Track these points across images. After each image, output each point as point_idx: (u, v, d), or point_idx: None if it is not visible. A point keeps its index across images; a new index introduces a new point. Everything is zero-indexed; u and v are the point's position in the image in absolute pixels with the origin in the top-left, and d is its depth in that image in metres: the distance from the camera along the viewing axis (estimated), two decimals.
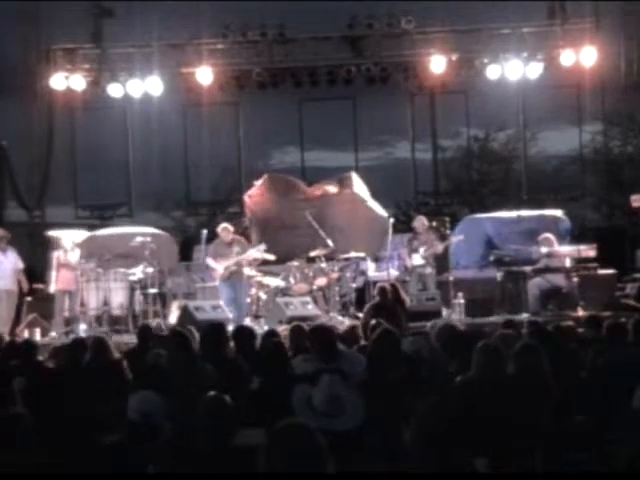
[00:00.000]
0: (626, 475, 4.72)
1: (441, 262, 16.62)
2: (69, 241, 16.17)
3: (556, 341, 8.37)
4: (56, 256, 16.04)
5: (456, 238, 16.77)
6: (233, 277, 15.63)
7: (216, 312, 14.35)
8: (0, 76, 20.04)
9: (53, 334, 15.42)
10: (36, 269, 17.75)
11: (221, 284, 15.69)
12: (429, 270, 16.12)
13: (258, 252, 15.88)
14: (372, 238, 17.85)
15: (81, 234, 18.01)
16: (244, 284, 15.80)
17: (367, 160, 23.68)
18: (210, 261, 15.76)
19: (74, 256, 16.03)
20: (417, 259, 16.10)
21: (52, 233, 17.68)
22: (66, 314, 16.00)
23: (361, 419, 5.31)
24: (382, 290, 13.61)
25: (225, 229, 15.94)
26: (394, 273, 16.57)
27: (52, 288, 16.04)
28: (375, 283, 15.18)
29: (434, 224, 17.23)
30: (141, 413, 5.56)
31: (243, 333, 9.12)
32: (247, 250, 15.81)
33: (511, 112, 22.48)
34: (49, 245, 17.15)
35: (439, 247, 16.19)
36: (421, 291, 15.92)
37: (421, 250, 16.09)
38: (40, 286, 16.89)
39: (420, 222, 16.49)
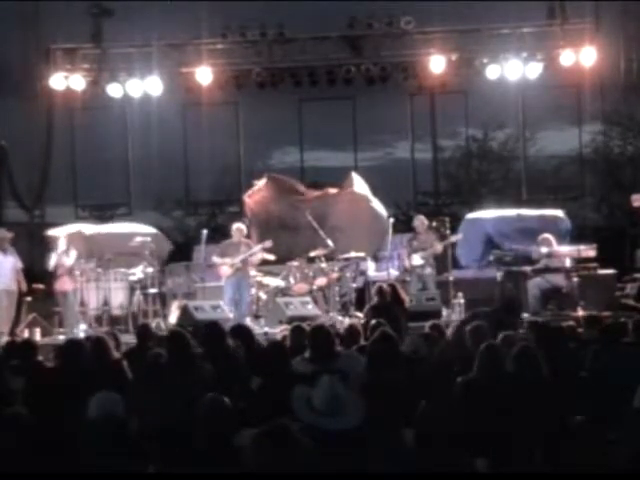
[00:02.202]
0: (626, 475, 4.72)
1: (441, 262, 16.61)
2: (64, 242, 16.15)
3: (556, 341, 8.37)
4: (52, 258, 16.01)
5: (455, 237, 16.74)
6: (238, 274, 15.63)
7: (216, 312, 14.35)
8: (0, 76, 20.03)
9: (61, 337, 15.35)
10: (36, 269, 17.75)
11: (226, 282, 15.70)
12: (429, 270, 16.11)
13: (264, 248, 15.88)
14: (372, 238, 17.85)
15: (80, 227, 18.03)
16: (248, 284, 15.81)
17: (367, 160, 23.66)
18: (216, 259, 15.78)
19: (70, 258, 15.99)
20: (417, 259, 16.09)
21: (51, 232, 17.67)
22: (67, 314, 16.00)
23: (361, 419, 5.31)
24: (380, 291, 13.60)
25: (239, 229, 16.01)
26: (394, 273, 16.58)
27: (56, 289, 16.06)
28: (375, 283, 15.18)
29: (434, 224, 17.22)
30: (102, 414, 5.55)
31: (240, 332, 9.13)
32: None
33: (511, 112, 22.47)
34: (48, 245, 17.12)
35: (438, 247, 16.16)
36: (421, 291, 15.92)
37: (421, 252, 16.08)
38: (40, 286, 16.88)
39: (420, 222, 16.47)
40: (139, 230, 18.17)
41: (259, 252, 15.86)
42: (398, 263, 16.98)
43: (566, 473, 4.86)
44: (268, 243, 15.94)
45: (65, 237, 16.46)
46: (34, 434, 5.10)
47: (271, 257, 16.19)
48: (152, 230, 18.72)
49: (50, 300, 16.34)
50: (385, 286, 13.77)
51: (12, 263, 15.72)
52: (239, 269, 15.64)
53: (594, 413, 6.45)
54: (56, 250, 16.00)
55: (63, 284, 15.86)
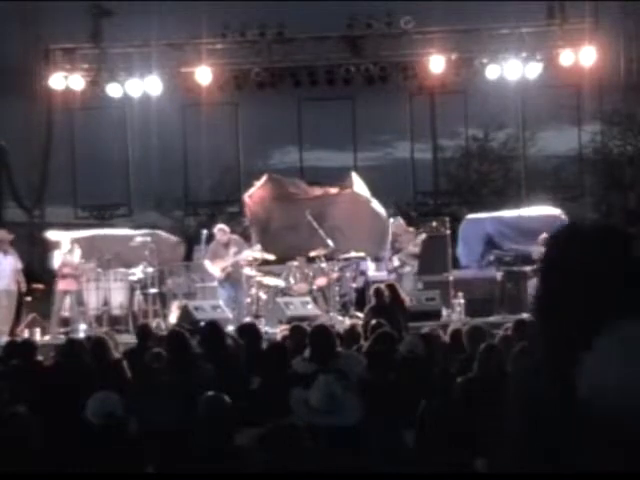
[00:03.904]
0: (626, 475, 4.70)
1: (441, 262, 16.64)
2: (67, 242, 16.15)
3: None
4: (57, 256, 16.00)
5: (420, 238, 16.64)
6: (231, 278, 15.67)
7: (216, 312, 14.35)
8: (0, 76, 20.02)
9: (47, 337, 15.35)
10: (36, 269, 17.74)
11: (220, 285, 15.73)
12: (407, 269, 16.22)
13: (254, 253, 15.93)
14: (372, 238, 17.85)
15: (79, 233, 18.01)
16: (243, 284, 15.83)
17: (366, 160, 23.67)
18: (207, 264, 15.79)
19: (75, 257, 16.00)
20: (395, 260, 16.29)
21: (50, 234, 17.67)
22: (67, 314, 15.98)
23: (357, 418, 5.32)
24: (377, 291, 13.62)
25: (221, 230, 15.99)
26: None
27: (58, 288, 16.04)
28: (375, 283, 15.19)
29: (434, 224, 17.23)
30: (101, 414, 5.55)
31: (248, 331, 9.12)
32: (244, 250, 15.85)
33: (510, 112, 22.48)
34: (48, 245, 17.11)
35: (410, 247, 16.27)
36: (420, 291, 16.00)
37: (399, 253, 16.29)
38: (39, 286, 16.88)
39: (397, 224, 16.72)
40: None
41: (248, 255, 15.89)
42: None
43: (566, 473, 4.86)
44: (257, 247, 16.01)
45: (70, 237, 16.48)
46: (34, 434, 5.10)
47: (271, 257, 16.19)
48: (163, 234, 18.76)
49: (50, 300, 16.32)
50: (382, 287, 13.79)
51: (12, 264, 15.70)
52: (230, 272, 15.65)
53: None
54: (60, 249, 16.01)
55: (68, 284, 15.86)
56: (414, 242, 16.43)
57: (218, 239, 15.87)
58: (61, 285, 15.91)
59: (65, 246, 16.03)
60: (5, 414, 5.20)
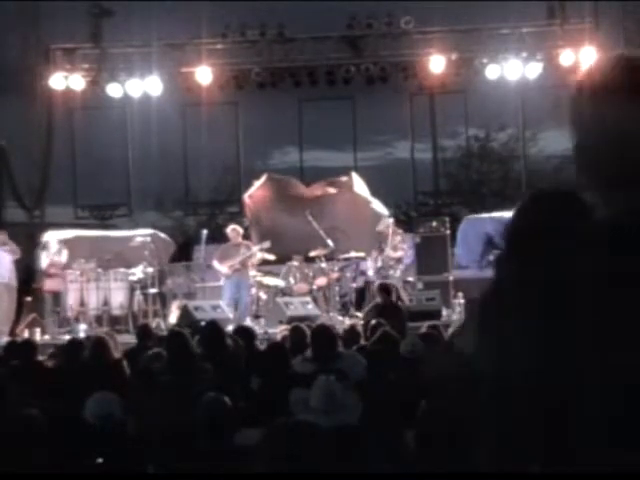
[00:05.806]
0: (626, 475, 4.70)
1: (441, 262, 16.63)
2: (55, 243, 16.17)
3: None
4: (44, 257, 16.05)
5: (398, 238, 16.63)
6: (237, 274, 15.66)
7: (216, 312, 14.35)
8: (0, 76, 20.02)
9: (47, 337, 15.36)
10: (35, 269, 17.73)
11: (226, 282, 15.74)
12: (391, 272, 16.18)
13: (263, 248, 15.95)
14: (372, 238, 17.86)
15: (71, 232, 18.03)
16: (248, 283, 15.84)
17: (367, 160, 23.65)
18: (216, 263, 15.79)
19: (62, 258, 16.02)
20: (379, 261, 16.27)
21: (49, 234, 17.68)
22: (68, 314, 16.00)
23: (357, 418, 5.32)
24: (384, 288, 13.61)
25: (234, 230, 16.04)
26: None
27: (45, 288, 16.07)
28: (375, 283, 15.21)
29: (434, 224, 17.22)
30: (101, 415, 5.55)
31: (242, 333, 9.13)
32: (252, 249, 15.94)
33: (510, 112, 22.46)
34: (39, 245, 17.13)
35: (387, 251, 16.23)
36: (420, 291, 15.97)
37: (382, 255, 16.27)
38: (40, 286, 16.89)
39: (384, 225, 16.63)
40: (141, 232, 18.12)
41: (257, 253, 15.92)
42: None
43: (566, 473, 4.85)
44: (266, 244, 15.98)
45: (57, 238, 16.48)
46: (42, 435, 5.10)
47: (271, 257, 16.20)
48: (159, 234, 18.72)
49: (50, 300, 16.33)
50: (389, 284, 13.82)
51: (9, 258, 15.69)
52: (238, 270, 15.67)
53: None
54: (47, 250, 16.03)
55: (55, 284, 15.87)
56: (393, 245, 16.37)
57: (231, 239, 15.92)
58: (48, 285, 15.93)
59: (53, 247, 16.06)
60: (19, 415, 5.19)
